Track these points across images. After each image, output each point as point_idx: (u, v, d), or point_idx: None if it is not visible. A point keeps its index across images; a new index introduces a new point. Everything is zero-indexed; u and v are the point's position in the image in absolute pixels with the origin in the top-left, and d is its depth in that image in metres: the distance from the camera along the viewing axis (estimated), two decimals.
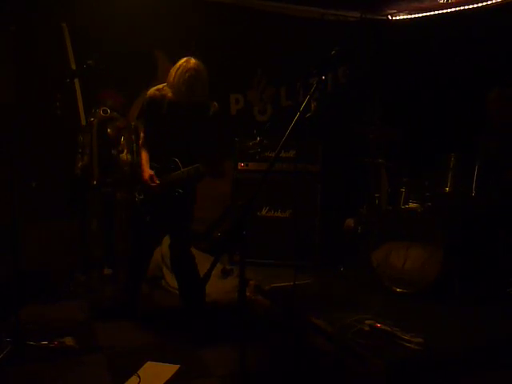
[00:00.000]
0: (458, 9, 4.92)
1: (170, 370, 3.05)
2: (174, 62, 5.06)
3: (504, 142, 3.90)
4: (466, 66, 4.74)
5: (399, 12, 5.43)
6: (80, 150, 4.21)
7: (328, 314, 3.54)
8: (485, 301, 3.70)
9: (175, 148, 3.46)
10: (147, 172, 3.43)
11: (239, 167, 4.86)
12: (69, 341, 3.24)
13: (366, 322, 3.36)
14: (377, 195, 4.30)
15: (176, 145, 3.46)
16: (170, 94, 3.39)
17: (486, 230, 3.89)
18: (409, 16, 5.42)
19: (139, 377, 2.93)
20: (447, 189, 4.03)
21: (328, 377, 3.03)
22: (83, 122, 4.38)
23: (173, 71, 3.38)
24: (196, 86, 3.30)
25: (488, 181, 3.90)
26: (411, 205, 4.20)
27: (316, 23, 5.46)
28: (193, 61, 3.34)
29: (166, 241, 4.86)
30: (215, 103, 3.48)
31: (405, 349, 2.98)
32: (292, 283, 2.56)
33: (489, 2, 4.61)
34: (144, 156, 3.50)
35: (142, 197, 3.51)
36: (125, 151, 4.19)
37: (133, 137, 4.20)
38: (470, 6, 4.79)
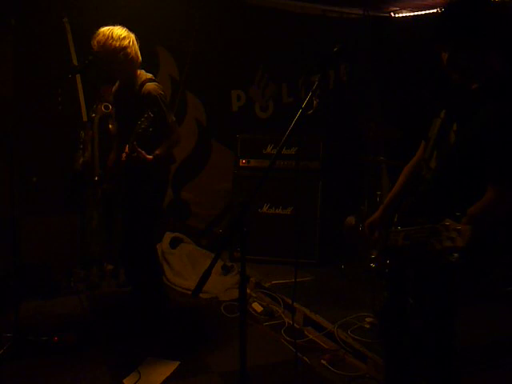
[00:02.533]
0: None
1: (170, 366, 3.06)
2: (176, 58, 5.12)
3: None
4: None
5: (402, 9, 5.41)
6: (81, 146, 4.20)
7: (328, 312, 3.55)
8: (485, 299, 3.69)
9: None
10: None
11: (240, 164, 4.86)
12: (69, 336, 3.24)
13: (367, 319, 3.36)
14: (378, 193, 4.29)
15: None
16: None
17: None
18: (411, 13, 5.40)
19: (139, 373, 2.93)
20: None
21: (327, 373, 3.03)
22: (84, 118, 4.37)
23: (131, 49, 3.16)
24: None
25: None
26: None
27: (318, 20, 5.44)
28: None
29: (167, 237, 4.89)
30: None
31: None
32: (292, 280, 2.55)
33: None
34: None
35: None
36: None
37: None
38: None
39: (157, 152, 3.17)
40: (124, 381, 2.88)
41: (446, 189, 1.98)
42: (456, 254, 1.63)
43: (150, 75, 3.34)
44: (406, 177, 2.39)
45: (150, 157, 3.11)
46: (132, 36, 3.20)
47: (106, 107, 4.11)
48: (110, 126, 3.54)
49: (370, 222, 2.38)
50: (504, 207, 1.84)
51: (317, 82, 2.06)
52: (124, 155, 3.07)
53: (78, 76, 4.30)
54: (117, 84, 3.44)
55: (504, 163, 1.83)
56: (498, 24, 1.87)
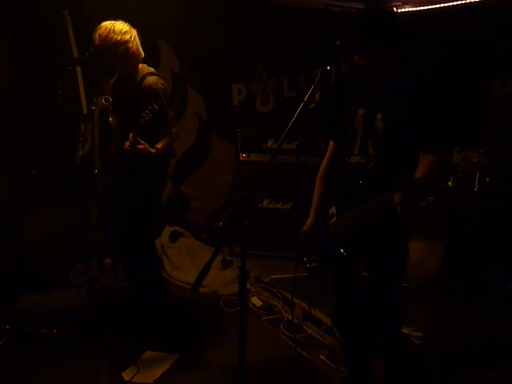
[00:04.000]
0: (463, 2, 4.88)
1: (168, 359, 3.06)
2: (177, 52, 5.10)
3: (505, 136, 3.87)
4: (472, 58, 4.70)
5: (404, 4, 5.39)
6: (81, 139, 4.18)
7: (328, 307, 3.54)
8: (485, 296, 3.69)
9: None
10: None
11: (241, 158, 4.85)
12: (68, 330, 3.24)
13: None
14: None
15: None
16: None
17: (488, 225, 3.87)
18: (414, 8, 5.38)
19: (138, 366, 2.93)
20: (450, 183, 4.00)
21: (326, 368, 3.03)
22: (84, 111, 4.36)
23: (132, 44, 3.16)
24: None
25: (490, 176, 3.87)
26: None
27: (320, 14, 5.42)
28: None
29: (167, 231, 4.88)
30: None
31: None
32: (292, 275, 2.55)
33: None
34: None
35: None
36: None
37: None
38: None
39: (158, 146, 3.16)
40: (123, 374, 2.88)
41: (391, 164, 2.25)
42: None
43: (151, 69, 3.33)
44: (324, 182, 2.59)
45: (153, 150, 3.11)
46: (134, 31, 3.20)
47: (107, 100, 4.09)
48: (111, 118, 3.52)
49: (306, 231, 2.58)
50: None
51: (319, 76, 2.05)
52: (127, 144, 3.05)
53: (78, 68, 4.29)
54: (115, 77, 3.42)
55: (432, 134, 2.22)
56: (398, 30, 2.25)
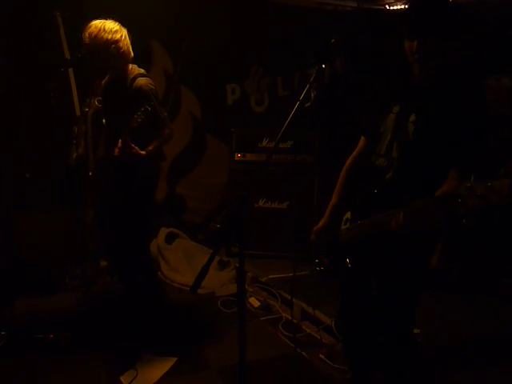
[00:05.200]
0: None
1: (167, 362, 3.04)
2: (170, 52, 5.07)
3: (502, 131, 3.88)
4: (464, 54, 4.70)
5: (397, 1, 5.38)
6: (74, 141, 4.15)
7: (326, 306, 3.53)
8: (484, 292, 3.70)
9: None
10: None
11: (236, 158, 4.83)
12: (64, 334, 3.21)
13: None
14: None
15: None
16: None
17: (486, 220, 3.87)
18: (406, 5, 5.37)
19: (136, 370, 2.91)
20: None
21: (325, 367, 3.02)
22: (78, 113, 4.33)
23: (122, 43, 3.13)
24: None
25: (488, 171, 3.87)
26: None
27: (313, 13, 5.41)
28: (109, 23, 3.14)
29: (163, 233, 4.86)
30: None
31: None
32: (290, 274, 2.54)
33: None
34: None
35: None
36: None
37: None
38: None
39: (150, 148, 3.14)
40: (121, 378, 2.86)
41: (411, 178, 2.02)
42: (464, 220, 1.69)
43: (142, 70, 3.30)
44: (347, 180, 2.43)
45: (144, 152, 3.08)
46: (124, 30, 3.17)
47: (100, 101, 4.06)
48: (104, 120, 3.50)
49: (317, 230, 2.43)
50: None
51: (314, 75, 2.04)
52: (117, 150, 3.03)
53: (70, 70, 4.26)
54: (106, 78, 3.40)
55: (467, 153, 1.93)
56: (458, 18, 1.97)
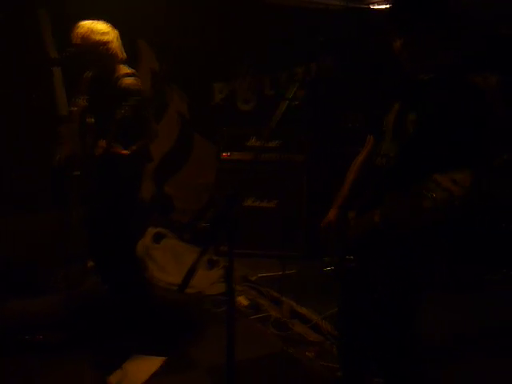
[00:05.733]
0: None
1: (155, 362, 3.03)
2: (157, 52, 5.05)
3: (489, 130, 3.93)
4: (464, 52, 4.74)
5: (381, 2, 5.40)
6: (61, 141, 4.12)
7: (314, 304, 3.55)
8: (467, 287, 3.73)
9: None
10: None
11: (223, 157, 4.83)
12: (52, 335, 3.19)
13: None
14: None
15: None
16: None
17: (470, 217, 3.91)
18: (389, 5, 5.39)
19: (125, 370, 2.90)
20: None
21: (314, 365, 3.03)
22: (64, 112, 4.29)
23: (112, 45, 3.13)
24: None
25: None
26: None
27: (301, 12, 5.41)
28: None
29: (150, 233, 4.84)
30: None
31: None
32: (279, 273, 2.55)
33: None
34: None
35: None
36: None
37: None
38: None
39: (133, 147, 3.13)
40: (109, 378, 2.84)
41: (407, 174, 1.98)
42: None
43: (129, 70, 3.28)
44: (355, 174, 2.40)
45: (126, 152, 3.07)
46: (115, 32, 3.17)
47: (86, 100, 4.03)
48: (91, 119, 3.48)
49: (326, 223, 2.38)
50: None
51: (301, 73, 2.04)
52: (100, 149, 3.02)
53: (56, 69, 4.22)
54: (90, 76, 3.37)
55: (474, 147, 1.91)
56: (447, 14, 1.97)
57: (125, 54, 3.22)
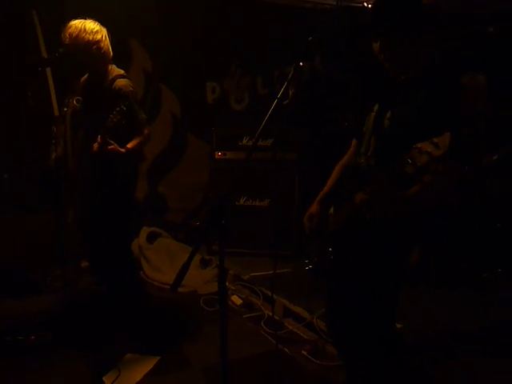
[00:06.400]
0: None
1: (149, 361, 3.04)
2: (149, 51, 5.05)
3: (477, 129, 3.96)
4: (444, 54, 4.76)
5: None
6: (53, 141, 4.11)
7: (308, 302, 3.56)
8: (462, 286, 3.75)
9: None
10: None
11: (216, 156, 4.83)
12: (46, 335, 3.19)
13: None
14: None
15: None
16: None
17: (462, 216, 3.93)
18: None
19: (119, 369, 2.90)
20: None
21: (307, 364, 3.04)
22: (56, 113, 4.28)
23: (103, 43, 3.11)
24: None
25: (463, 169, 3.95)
26: None
27: (293, 11, 5.42)
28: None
29: (144, 232, 4.84)
30: None
31: None
32: (271, 272, 2.56)
33: None
34: None
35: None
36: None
37: None
38: None
39: (128, 146, 3.13)
40: (104, 378, 2.85)
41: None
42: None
43: (121, 71, 3.28)
44: (338, 173, 2.47)
45: (123, 150, 3.07)
46: (104, 30, 3.15)
47: (78, 101, 4.03)
48: (83, 120, 3.48)
49: (307, 217, 2.45)
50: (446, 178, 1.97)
51: (292, 72, 2.05)
52: (96, 145, 3.01)
53: (48, 69, 4.21)
54: (85, 77, 3.37)
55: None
56: (422, 17, 2.03)
57: (112, 52, 3.21)
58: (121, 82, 3.15)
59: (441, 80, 2.00)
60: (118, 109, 2.94)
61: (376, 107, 2.16)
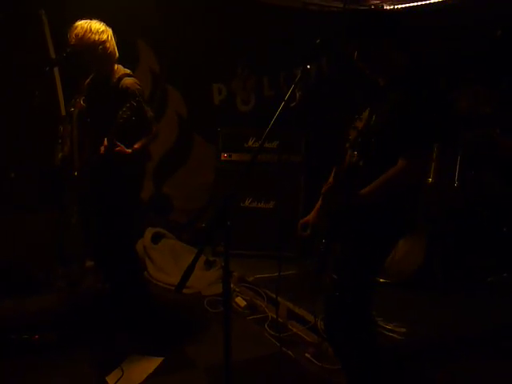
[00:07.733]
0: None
1: (153, 362, 3.04)
2: (156, 52, 5.05)
3: (478, 135, 3.96)
4: (446, 57, 4.75)
5: (383, 2, 5.41)
6: (60, 141, 4.12)
7: (312, 305, 3.54)
8: (467, 290, 3.74)
9: None
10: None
11: (222, 158, 4.83)
12: (50, 334, 3.19)
13: None
14: None
15: None
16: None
17: (468, 219, 3.92)
18: (392, 7, 5.40)
19: (122, 370, 2.90)
20: (430, 180, 4.06)
21: (311, 366, 3.03)
22: (63, 112, 4.30)
23: (109, 44, 3.13)
24: None
25: (469, 172, 3.96)
26: None
27: (299, 13, 5.42)
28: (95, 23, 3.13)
29: (149, 233, 4.84)
30: None
31: (388, 338, 2.99)
32: (276, 274, 2.56)
33: None
34: None
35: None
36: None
37: None
38: None
39: (135, 146, 3.13)
40: (107, 378, 2.85)
41: (366, 169, 2.18)
42: None
43: (127, 70, 3.29)
44: None
45: (129, 150, 3.08)
46: (110, 31, 3.16)
47: (85, 101, 4.04)
48: (89, 119, 3.49)
49: (302, 223, 2.61)
50: (410, 175, 2.12)
51: (300, 74, 2.06)
52: (103, 148, 3.02)
53: (55, 69, 4.23)
54: (90, 77, 3.38)
55: (409, 139, 2.09)
56: (393, 28, 2.24)
57: (117, 53, 3.22)
58: (128, 81, 3.16)
59: (412, 82, 2.15)
60: (128, 105, 2.95)
61: (367, 112, 2.27)
